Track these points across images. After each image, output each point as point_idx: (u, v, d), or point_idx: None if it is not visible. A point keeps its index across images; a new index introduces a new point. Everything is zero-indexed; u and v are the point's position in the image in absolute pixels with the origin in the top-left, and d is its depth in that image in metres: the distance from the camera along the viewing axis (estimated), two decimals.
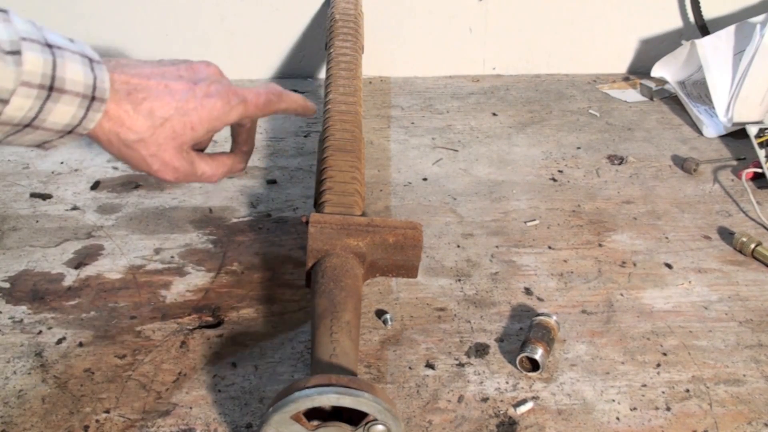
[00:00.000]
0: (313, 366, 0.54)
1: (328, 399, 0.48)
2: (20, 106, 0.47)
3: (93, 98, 0.51)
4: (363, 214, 0.69)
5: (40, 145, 0.53)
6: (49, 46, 0.48)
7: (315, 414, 0.51)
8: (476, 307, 0.73)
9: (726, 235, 0.85)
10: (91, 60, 0.51)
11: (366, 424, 0.50)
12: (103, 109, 0.52)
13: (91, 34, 1.18)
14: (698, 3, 1.22)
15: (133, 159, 0.56)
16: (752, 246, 0.80)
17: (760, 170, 0.94)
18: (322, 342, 0.55)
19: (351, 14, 1.07)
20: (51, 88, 0.48)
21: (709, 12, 1.23)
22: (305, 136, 1.06)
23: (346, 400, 0.48)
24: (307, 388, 0.48)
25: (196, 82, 0.57)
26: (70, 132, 0.52)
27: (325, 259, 0.64)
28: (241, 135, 0.65)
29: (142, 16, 1.18)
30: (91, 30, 1.18)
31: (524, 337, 0.66)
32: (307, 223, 0.65)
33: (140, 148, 0.55)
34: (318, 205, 0.71)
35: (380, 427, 0.49)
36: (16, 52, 0.46)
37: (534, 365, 0.64)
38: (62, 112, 0.50)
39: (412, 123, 1.10)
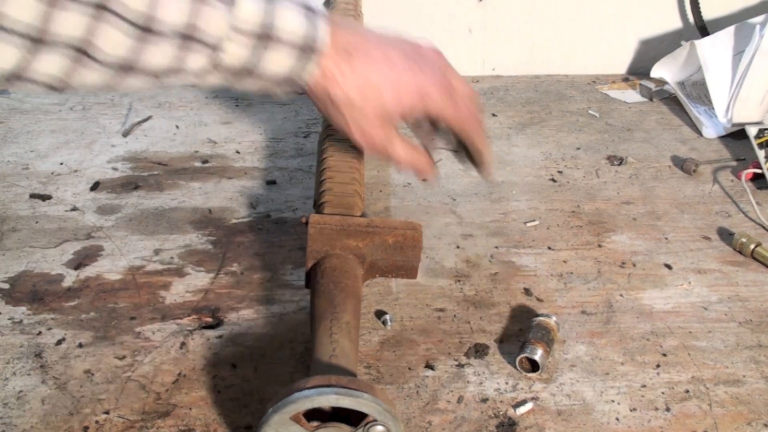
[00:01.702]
0: (312, 367, 0.54)
1: (328, 400, 0.48)
2: (236, 53, 0.47)
3: (310, 49, 0.50)
4: (363, 215, 0.69)
5: (265, 94, 0.53)
6: None
7: (315, 415, 0.51)
8: (476, 308, 0.73)
9: (726, 235, 0.85)
10: (308, 10, 0.50)
11: (366, 424, 0.50)
12: (319, 62, 0.51)
13: None
14: (698, 3, 1.22)
15: (336, 118, 0.56)
16: (752, 246, 0.80)
17: (759, 171, 0.94)
18: (321, 343, 0.55)
19: (351, 15, 1.06)
20: (267, 37, 0.48)
21: (708, 12, 1.23)
22: (305, 137, 1.06)
23: (346, 401, 0.48)
24: (307, 388, 0.48)
25: (416, 61, 0.56)
26: (288, 82, 0.52)
27: (324, 260, 0.64)
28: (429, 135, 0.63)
29: None
30: None
31: (524, 338, 0.66)
32: (306, 223, 0.65)
33: (345, 110, 0.55)
34: (317, 206, 0.71)
35: (380, 427, 0.49)
36: (231, 2, 0.46)
37: (534, 366, 0.64)
38: (277, 61, 0.49)
39: None
